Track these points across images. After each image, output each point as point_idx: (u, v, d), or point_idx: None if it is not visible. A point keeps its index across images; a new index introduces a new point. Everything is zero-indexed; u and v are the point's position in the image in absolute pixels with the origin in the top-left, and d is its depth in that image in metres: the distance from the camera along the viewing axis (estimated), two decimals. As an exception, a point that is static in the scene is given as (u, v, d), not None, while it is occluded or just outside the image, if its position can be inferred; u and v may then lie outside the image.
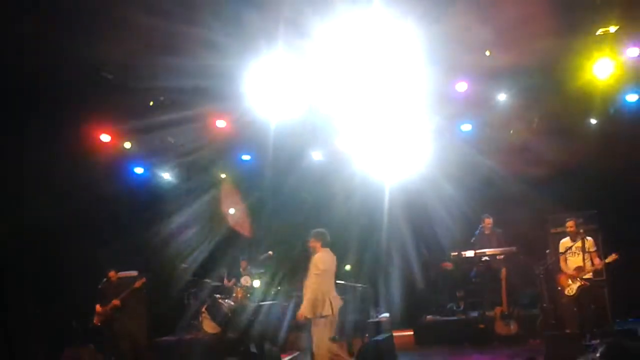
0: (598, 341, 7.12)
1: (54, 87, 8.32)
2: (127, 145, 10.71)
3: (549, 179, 9.95)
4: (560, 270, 8.59)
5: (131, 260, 10.69)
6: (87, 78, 8.31)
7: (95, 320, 9.88)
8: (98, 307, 9.87)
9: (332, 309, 7.06)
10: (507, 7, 6.96)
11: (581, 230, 8.55)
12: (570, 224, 8.53)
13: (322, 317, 7.05)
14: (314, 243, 7.31)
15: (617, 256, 8.21)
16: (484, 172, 10.42)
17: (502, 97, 9.33)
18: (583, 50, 8.13)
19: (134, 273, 10.29)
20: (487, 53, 8.04)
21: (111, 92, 8.54)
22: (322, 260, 7.19)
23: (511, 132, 10.28)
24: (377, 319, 10.24)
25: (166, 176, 12.00)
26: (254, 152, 11.47)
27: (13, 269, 9.86)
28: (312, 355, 7.21)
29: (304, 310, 7.10)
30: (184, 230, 11.39)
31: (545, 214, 9.92)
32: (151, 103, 9.39)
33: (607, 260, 8.27)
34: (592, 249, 8.41)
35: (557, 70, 8.56)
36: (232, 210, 12.45)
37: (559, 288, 8.59)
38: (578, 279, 8.31)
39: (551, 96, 9.20)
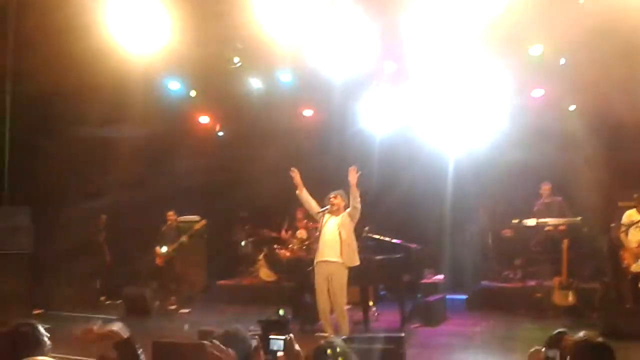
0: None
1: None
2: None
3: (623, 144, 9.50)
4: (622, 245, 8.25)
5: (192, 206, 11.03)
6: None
7: (158, 261, 10.32)
8: (158, 249, 10.23)
9: None
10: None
11: None
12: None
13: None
14: (341, 201, 7.24)
15: None
16: (552, 138, 10.01)
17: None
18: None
19: (195, 217, 10.63)
20: None
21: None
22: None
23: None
24: (430, 280, 10.23)
25: None
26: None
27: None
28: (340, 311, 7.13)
29: (356, 259, 7.18)
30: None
31: (615, 186, 9.47)
32: None
33: None
34: None
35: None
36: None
37: (624, 264, 8.27)
38: None
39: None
